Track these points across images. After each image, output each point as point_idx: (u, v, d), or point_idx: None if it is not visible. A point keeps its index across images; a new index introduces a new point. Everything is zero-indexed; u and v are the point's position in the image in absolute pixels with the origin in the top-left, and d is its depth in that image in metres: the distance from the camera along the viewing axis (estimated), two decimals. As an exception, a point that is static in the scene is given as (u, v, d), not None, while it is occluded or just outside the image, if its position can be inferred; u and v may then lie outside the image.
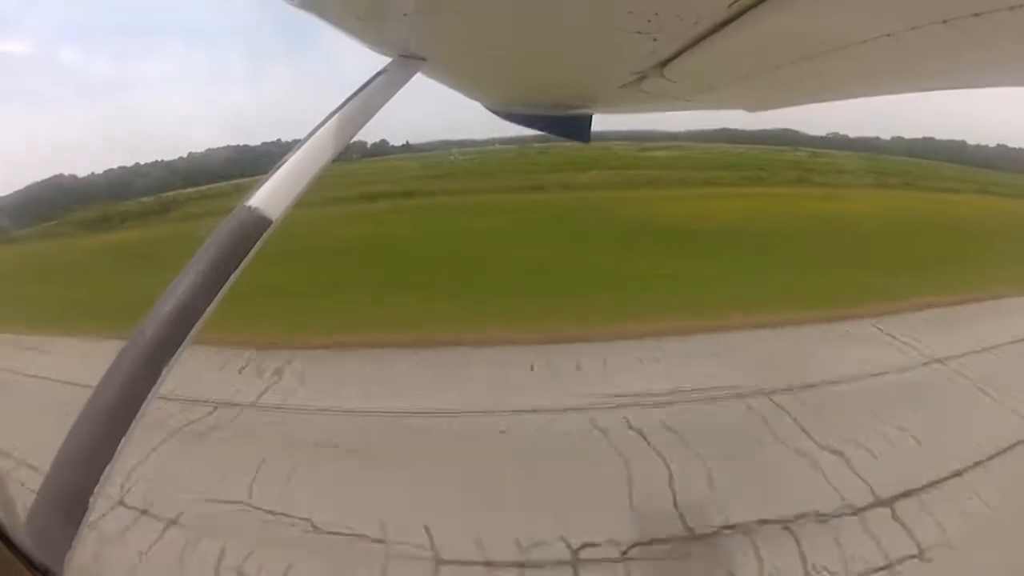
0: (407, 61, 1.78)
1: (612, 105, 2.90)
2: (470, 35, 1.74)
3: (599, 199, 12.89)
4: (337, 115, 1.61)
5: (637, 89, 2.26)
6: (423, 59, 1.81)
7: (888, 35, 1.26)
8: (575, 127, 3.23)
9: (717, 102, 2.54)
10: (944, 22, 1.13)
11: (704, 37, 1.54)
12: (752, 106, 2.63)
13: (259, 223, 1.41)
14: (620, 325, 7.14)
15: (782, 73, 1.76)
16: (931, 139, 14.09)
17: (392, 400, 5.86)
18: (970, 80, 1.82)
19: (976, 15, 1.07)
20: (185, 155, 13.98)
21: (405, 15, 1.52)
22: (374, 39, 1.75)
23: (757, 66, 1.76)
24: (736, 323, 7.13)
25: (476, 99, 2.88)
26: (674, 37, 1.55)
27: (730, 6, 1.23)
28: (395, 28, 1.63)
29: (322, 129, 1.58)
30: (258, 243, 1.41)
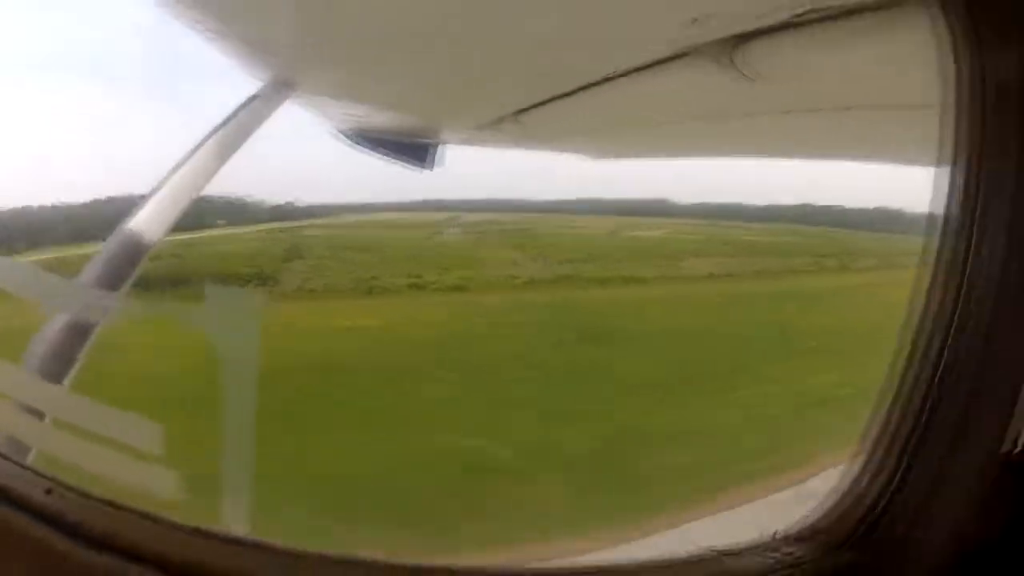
0: (279, 85, 1.85)
1: (468, 140, 3.10)
2: (349, 65, 1.83)
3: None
4: (213, 139, 1.66)
5: (495, 129, 2.43)
6: (295, 84, 1.89)
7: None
8: (421, 154, 3.38)
9: (565, 149, 2.74)
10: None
11: (557, 97, 1.72)
12: (597, 155, 2.84)
13: (139, 247, 1.43)
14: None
15: (621, 132, 1.95)
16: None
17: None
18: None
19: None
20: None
21: (281, 40, 1.60)
22: (248, 61, 1.82)
23: (599, 124, 1.94)
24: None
25: (337, 122, 3.00)
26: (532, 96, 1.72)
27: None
28: (271, 52, 1.70)
29: (199, 153, 1.62)
30: (139, 267, 1.44)
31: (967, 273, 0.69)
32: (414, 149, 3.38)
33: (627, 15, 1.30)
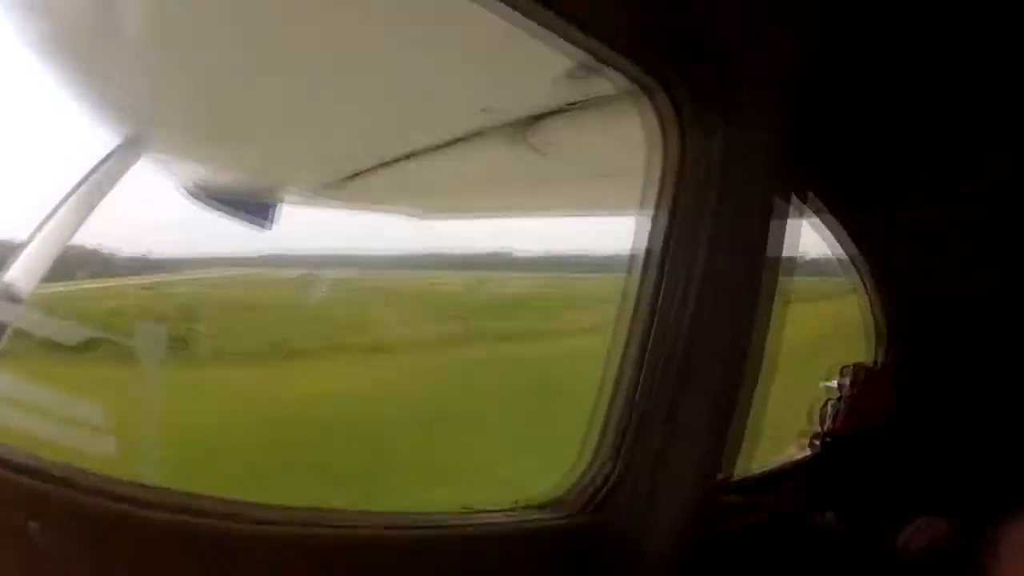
0: (132, 143, 1.92)
1: (304, 202, 3.24)
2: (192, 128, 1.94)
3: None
4: (76, 195, 1.70)
5: (327, 192, 2.60)
6: (145, 142, 1.97)
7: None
8: (263, 212, 3.46)
9: (391, 210, 2.96)
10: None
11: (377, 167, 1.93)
12: (422, 215, 3.08)
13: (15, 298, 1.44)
14: None
15: (437, 196, 2.20)
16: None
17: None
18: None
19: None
20: None
21: (128, 102, 1.68)
22: (103, 118, 1.88)
23: (417, 189, 2.16)
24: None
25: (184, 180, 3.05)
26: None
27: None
28: (121, 112, 1.78)
29: (62, 209, 1.66)
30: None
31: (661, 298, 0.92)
32: (255, 207, 3.45)
33: (426, 106, 1.52)
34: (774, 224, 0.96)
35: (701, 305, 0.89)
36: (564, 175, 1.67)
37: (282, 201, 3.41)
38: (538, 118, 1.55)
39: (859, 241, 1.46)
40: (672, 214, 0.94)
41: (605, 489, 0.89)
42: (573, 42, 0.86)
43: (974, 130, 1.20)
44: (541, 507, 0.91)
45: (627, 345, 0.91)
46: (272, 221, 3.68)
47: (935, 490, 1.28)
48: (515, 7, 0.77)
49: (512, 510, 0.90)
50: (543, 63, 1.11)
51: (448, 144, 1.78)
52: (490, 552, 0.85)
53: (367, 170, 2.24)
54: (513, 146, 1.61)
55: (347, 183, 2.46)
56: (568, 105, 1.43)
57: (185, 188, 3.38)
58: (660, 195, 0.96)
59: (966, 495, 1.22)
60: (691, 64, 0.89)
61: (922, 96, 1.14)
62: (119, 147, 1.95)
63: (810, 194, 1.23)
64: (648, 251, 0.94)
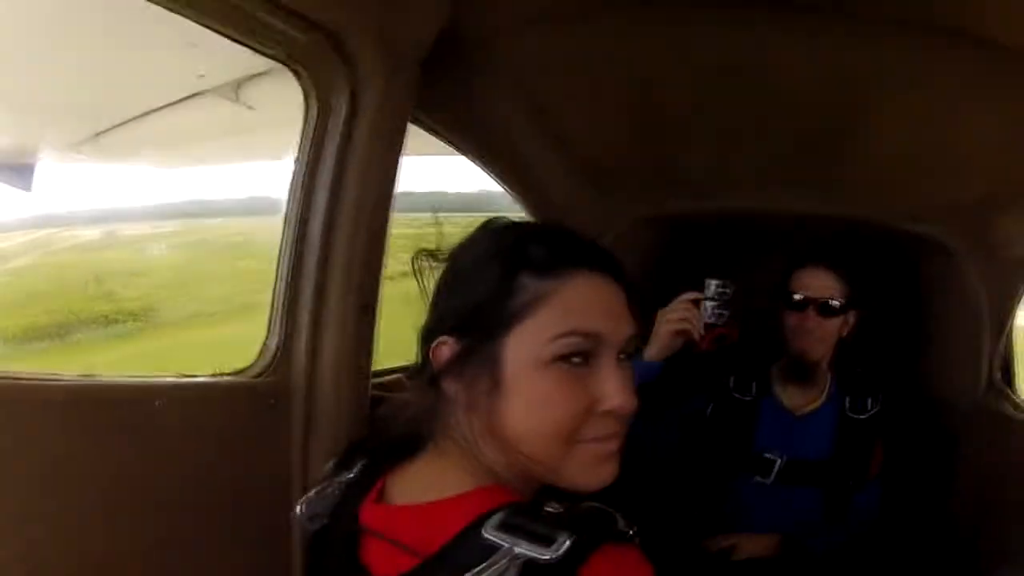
0: None
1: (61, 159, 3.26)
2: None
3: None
4: None
5: (81, 148, 2.70)
6: None
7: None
8: (26, 175, 3.38)
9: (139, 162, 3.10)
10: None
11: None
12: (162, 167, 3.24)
13: None
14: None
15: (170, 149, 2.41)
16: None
17: None
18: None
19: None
20: None
21: None
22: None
23: (155, 144, 2.37)
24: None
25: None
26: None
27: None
28: None
29: None
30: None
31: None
32: (17, 171, 3.31)
33: (152, 73, 1.75)
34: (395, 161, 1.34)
35: (335, 222, 1.27)
36: (268, 125, 1.96)
37: (40, 163, 3.35)
38: (246, 79, 1.84)
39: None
40: (317, 152, 1.27)
41: (278, 354, 1.26)
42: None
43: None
44: (235, 373, 1.25)
45: (288, 252, 1.27)
46: (32, 183, 3.58)
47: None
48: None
49: (214, 375, 1.23)
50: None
51: (176, 103, 2.03)
52: (191, 409, 1.12)
53: (112, 127, 2.42)
54: (229, 103, 1.90)
55: (97, 139, 2.59)
56: (265, 71, 1.74)
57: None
58: (310, 140, 1.27)
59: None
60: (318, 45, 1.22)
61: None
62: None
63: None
64: (303, 180, 1.28)
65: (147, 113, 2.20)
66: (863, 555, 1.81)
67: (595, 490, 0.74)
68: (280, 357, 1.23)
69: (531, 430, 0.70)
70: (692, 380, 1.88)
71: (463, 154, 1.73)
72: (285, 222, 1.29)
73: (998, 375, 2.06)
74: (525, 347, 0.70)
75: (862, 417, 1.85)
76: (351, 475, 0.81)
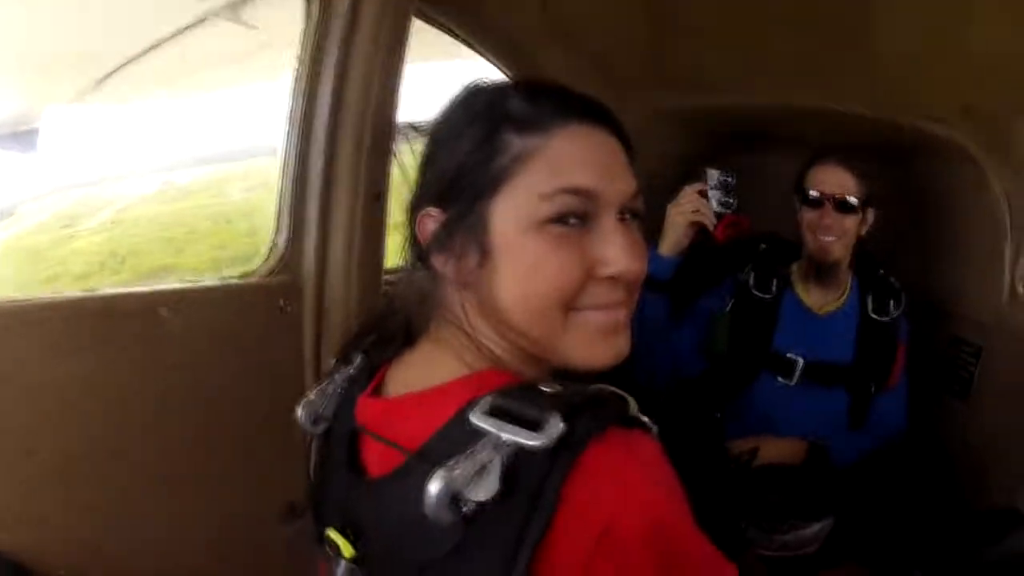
0: None
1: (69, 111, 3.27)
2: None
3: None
4: None
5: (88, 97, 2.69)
6: None
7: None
8: (31, 140, 3.38)
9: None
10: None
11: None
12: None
13: None
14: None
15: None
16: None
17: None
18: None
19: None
20: None
21: None
22: None
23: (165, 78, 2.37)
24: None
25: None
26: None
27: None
28: None
29: None
30: None
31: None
32: (23, 136, 3.30)
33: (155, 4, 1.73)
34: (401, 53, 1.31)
35: (340, 116, 1.25)
36: (270, 45, 1.94)
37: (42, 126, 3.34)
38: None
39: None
40: (320, 48, 1.25)
41: (287, 252, 1.25)
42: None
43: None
44: (243, 276, 1.24)
45: (293, 149, 1.25)
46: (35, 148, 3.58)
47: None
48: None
49: (221, 279, 1.22)
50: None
51: (182, 31, 2.01)
52: (198, 315, 1.10)
53: (115, 70, 2.39)
54: (231, 24, 1.87)
55: (100, 86, 2.57)
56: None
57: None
58: (312, 37, 1.26)
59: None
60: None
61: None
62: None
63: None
64: (306, 76, 1.26)
65: (149, 49, 2.18)
66: (887, 466, 1.79)
67: (605, 368, 0.68)
68: (289, 255, 1.22)
69: (525, 299, 0.65)
70: (709, 275, 1.87)
71: (472, 49, 1.69)
72: (289, 121, 1.27)
73: (1020, 287, 2.01)
74: (513, 210, 0.65)
75: (884, 320, 1.82)
76: (351, 371, 0.77)
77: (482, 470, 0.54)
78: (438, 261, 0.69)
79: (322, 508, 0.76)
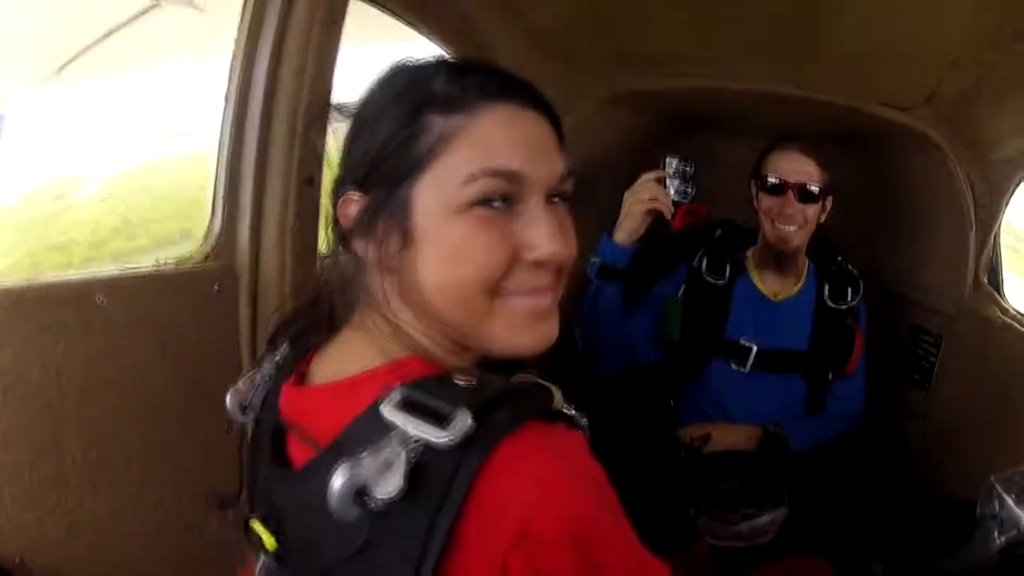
0: None
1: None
2: None
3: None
4: None
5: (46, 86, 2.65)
6: None
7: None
8: None
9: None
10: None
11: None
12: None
13: None
14: None
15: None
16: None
17: None
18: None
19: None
20: None
21: None
22: None
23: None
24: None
25: None
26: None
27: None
28: None
29: None
30: None
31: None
32: None
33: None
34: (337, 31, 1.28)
35: (274, 97, 1.22)
36: (219, 29, 1.92)
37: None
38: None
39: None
40: (256, 26, 1.23)
41: (221, 237, 1.22)
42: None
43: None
44: (179, 262, 1.21)
45: (228, 131, 1.22)
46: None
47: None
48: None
49: (156, 266, 1.19)
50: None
51: (137, 16, 1.97)
52: (134, 302, 1.07)
53: (74, 57, 2.37)
54: (181, 7, 1.84)
55: (60, 74, 2.55)
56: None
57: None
58: (249, 15, 1.23)
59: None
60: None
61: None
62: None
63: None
64: (243, 55, 1.23)
65: (106, 36, 2.14)
66: (844, 454, 1.76)
67: (532, 355, 0.67)
68: (222, 241, 1.20)
69: (448, 283, 0.63)
70: (664, 263, 1.85)
71: (418, 31, 1.65)
72: (225, 100, 1.24)
73: (984, 277, 2.00)
74: (435, 193, 0.62)
75: (842, 307, 1.81)
76: (277, 358, 0.75)
77: (388, 466, 0.52)
78: (359, 246, 0.67)
79: (252, 498, 0.75)
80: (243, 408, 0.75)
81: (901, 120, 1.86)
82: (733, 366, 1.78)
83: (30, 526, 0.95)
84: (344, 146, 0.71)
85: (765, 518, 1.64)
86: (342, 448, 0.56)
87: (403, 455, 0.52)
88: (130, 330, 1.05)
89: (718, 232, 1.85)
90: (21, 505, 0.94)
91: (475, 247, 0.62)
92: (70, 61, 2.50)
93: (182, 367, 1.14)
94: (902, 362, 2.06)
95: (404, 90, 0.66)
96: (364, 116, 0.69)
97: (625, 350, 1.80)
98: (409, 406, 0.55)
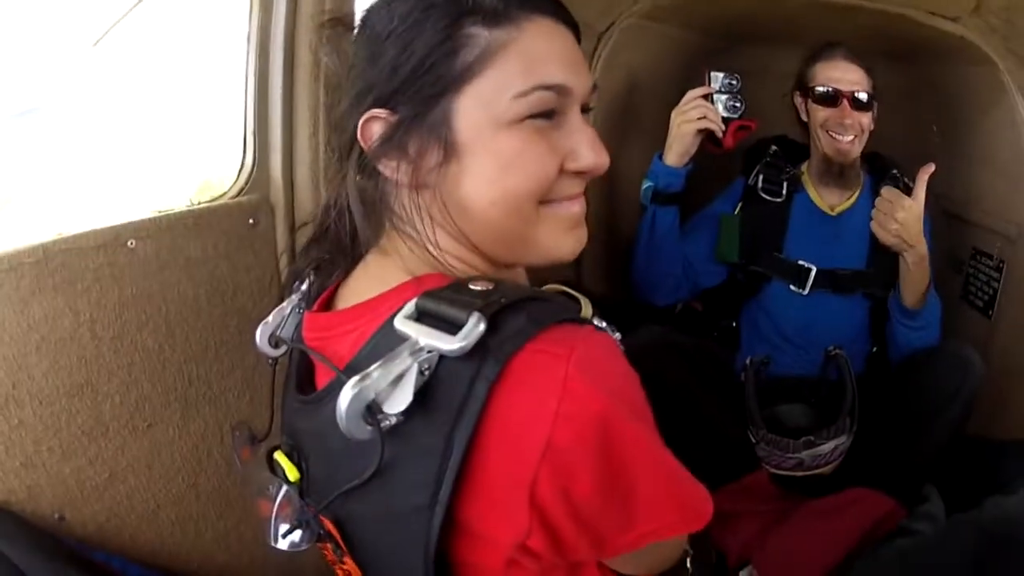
0: None
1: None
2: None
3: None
4: None
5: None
6: None
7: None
8: None
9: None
10: None
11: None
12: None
13: None
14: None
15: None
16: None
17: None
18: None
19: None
20: None
21: None
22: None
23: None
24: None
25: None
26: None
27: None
28: None
29: None
30: None
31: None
32: None
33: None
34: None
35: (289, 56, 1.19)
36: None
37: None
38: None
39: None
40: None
41: (254, 170, 1.21)
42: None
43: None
44: (211, 200, 1.20)
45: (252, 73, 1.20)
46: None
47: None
48: None
49: (189, 206, 1.18)
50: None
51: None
52: (168, 243, 1.06)
53: (104, 34, 2.40)
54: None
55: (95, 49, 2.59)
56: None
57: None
58: None
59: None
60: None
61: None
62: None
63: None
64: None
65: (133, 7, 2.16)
66: (910, 379, 1.64)
67: (571, 258, 0.67)
68: (256, 174, 1.18)
69: (500, 195, 0.62)
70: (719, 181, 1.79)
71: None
72: (247, 40, 1.22)
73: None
74: (483, 107, 0.61)
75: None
76: (303, 288, 0.74)
77: (398, 380, 0.50)
78: (388, 167, 0.64)
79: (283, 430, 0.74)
80: (275, 342, 0.74)
81: (949, 29, 1.76)
82: (792, 288, 1.70)
83: (68, 478, 0.95)
84: (358, 64, 0.67)
85: (828, 445, 1.58)
86: (357, 368, 0.53)
87: (414, 367, 0.50)
88: (163, 271, 1.04)
89: (773, 148, 1.80)
90: (59, 457, 0.94)
91: (528, 159, 0.61)
92: (101, 38, 2.58)
93: (219, 303, 1.13)
94: (964, 286, 1.96)
95: (439, 2, 0.63)
96: (384, 29, 0.65)
97: (686, 274, 1.74)
98: (423, 316, 0.53)
